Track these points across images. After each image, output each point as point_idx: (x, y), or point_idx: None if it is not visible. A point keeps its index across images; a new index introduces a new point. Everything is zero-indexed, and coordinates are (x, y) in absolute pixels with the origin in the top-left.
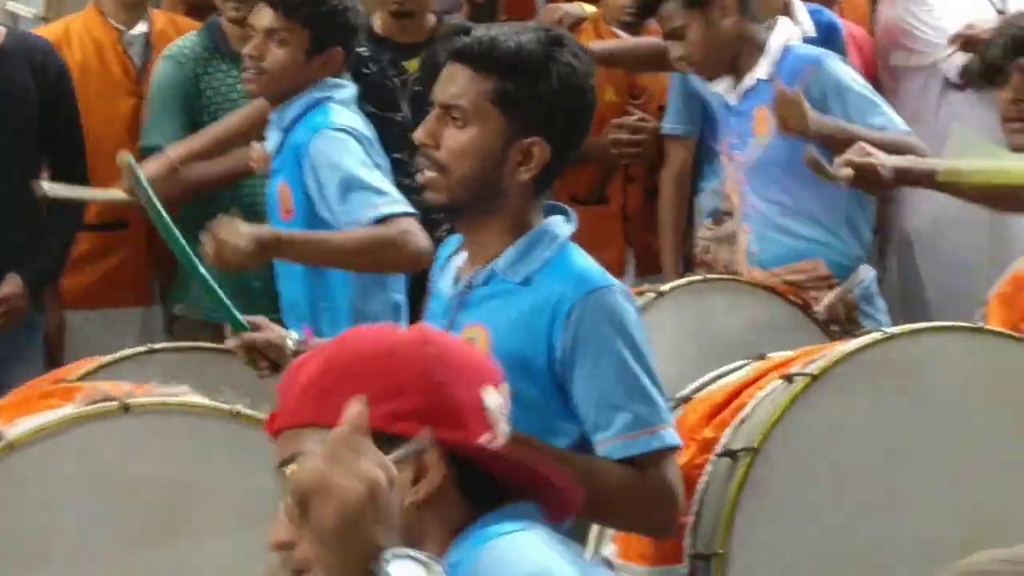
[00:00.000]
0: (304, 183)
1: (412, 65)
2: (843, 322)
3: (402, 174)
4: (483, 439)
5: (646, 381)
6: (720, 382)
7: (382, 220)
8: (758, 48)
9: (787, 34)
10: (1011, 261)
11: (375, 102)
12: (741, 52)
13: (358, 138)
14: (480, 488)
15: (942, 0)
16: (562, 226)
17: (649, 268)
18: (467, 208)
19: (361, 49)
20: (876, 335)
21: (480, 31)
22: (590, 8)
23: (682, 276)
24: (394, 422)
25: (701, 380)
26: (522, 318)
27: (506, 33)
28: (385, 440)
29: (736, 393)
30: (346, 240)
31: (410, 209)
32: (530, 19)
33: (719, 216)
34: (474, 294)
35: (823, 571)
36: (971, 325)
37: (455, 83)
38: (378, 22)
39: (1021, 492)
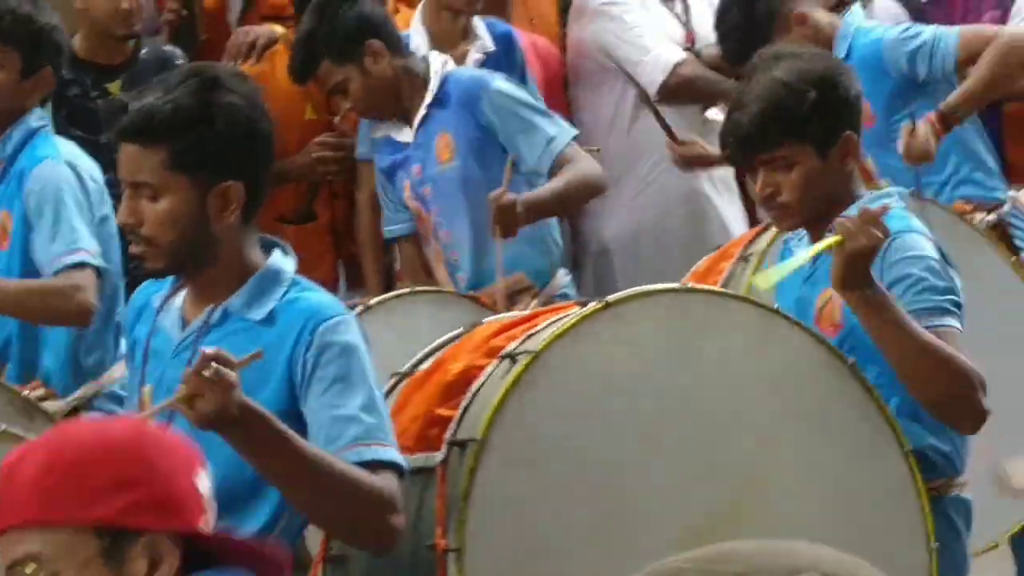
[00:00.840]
0: (24, 212)
1: (115, 87)
2: None
3: (112, 196)
4: (202, 523)
5: (376, 398)
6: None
7: (66, 269)
8: (421, 80)
9: (440, 61)
10: None
11: (79, 124)
12: (403, 89)
13: (79, 174)
14: (199, 562)
15: (637, 17)
16: (286, 261)
17: (361, 281)
18: (186, 267)
19: (63, 71)
20: (673, 284)
21: (134, 102)
22: (280, 29)
23: (385, 289)
24: (125, 516)
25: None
26: (266, 353)
27: (159, 96)
28: (117, 533)
29: (532, 316)
30: (13, 288)
31: (99, 263)
32: (226, 39)
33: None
34: (212, 334)
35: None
36: (680, 286)
37: (132, 162)
38: (79, 44)
39: (762, 470)
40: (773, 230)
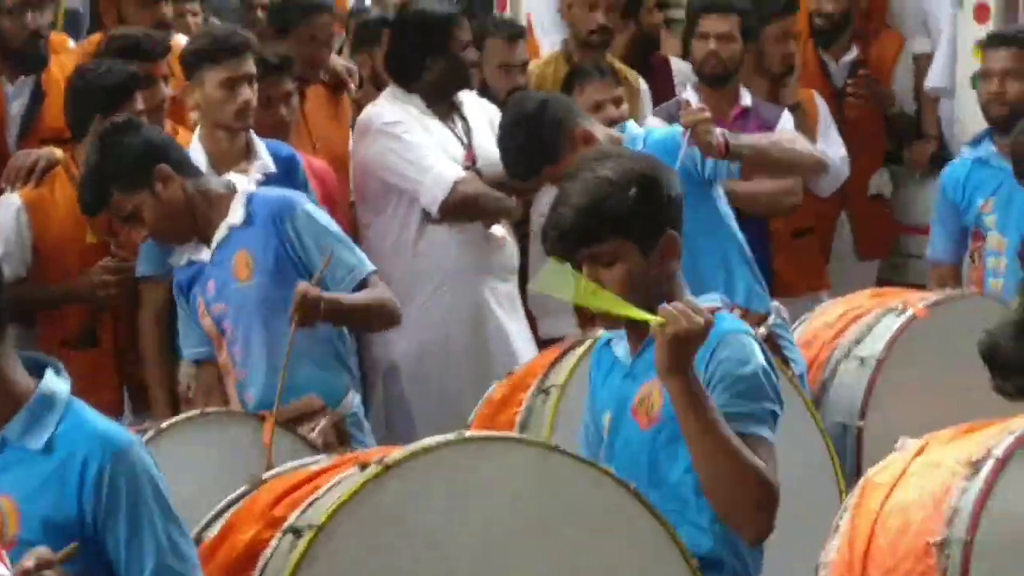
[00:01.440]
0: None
1: None
2: (336, 445)
3: None
4: None
5: (175, 533)
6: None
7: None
8: (216, 199)
9: (245, 180)
10: (488, 386)
11: None
12: (198, 210)
13: None
14: None
15: (418, 136)
16: (59, 383)
17: (145, 404)
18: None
19: None
20: (450, 436)
21: None
22: (60, 152)
23: (174, 411)
24: None
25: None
26: (49, 483)
27: None
28: None
29: (312, 477)
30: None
31: None
32: (4, 161)
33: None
34: None
35: None
36: (457, 437)
37: None
38: None
39: None
40: (572, 357)
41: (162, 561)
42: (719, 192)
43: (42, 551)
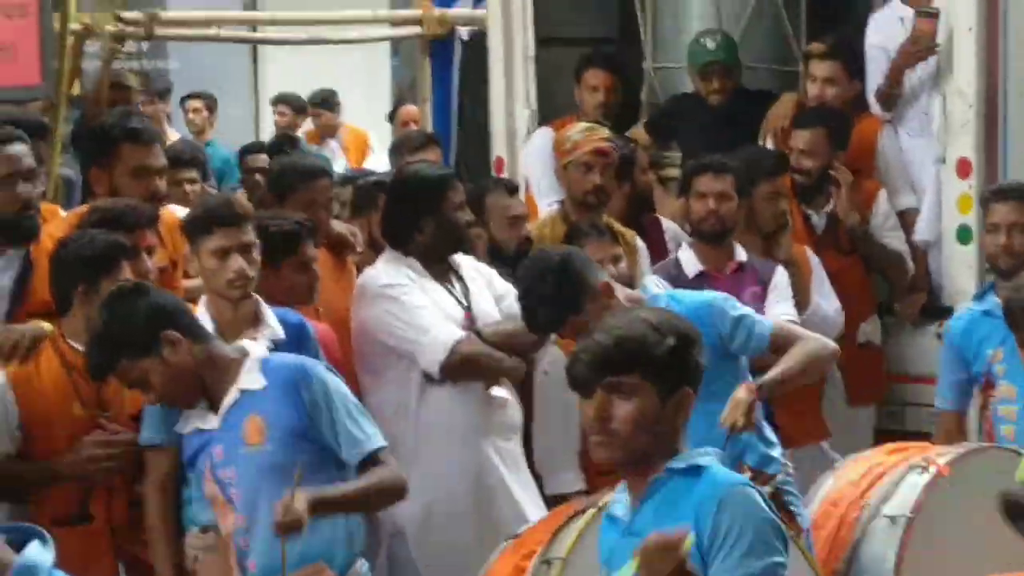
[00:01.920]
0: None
1: None
2: None
3: None
4: None
5: None
6: None
7: None
8: (225, 364)
9: (256, 346)
10: (495, 547)
11: None
12: (207, 375)
13: None
14: None
15: (416, 298)
16: (43, 554)
17: None
18: None
19: None
20: None
21: None
22: (47, 326)
23: None
24: None
25: None
26: None
27: None
28: None
29: None
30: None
31: None
32: None
33: (207, 526)
34: None
35: None
36: None
37: None
38: None
39: None
40: (575, 527)
41: None
42: (744, 361)
43: None
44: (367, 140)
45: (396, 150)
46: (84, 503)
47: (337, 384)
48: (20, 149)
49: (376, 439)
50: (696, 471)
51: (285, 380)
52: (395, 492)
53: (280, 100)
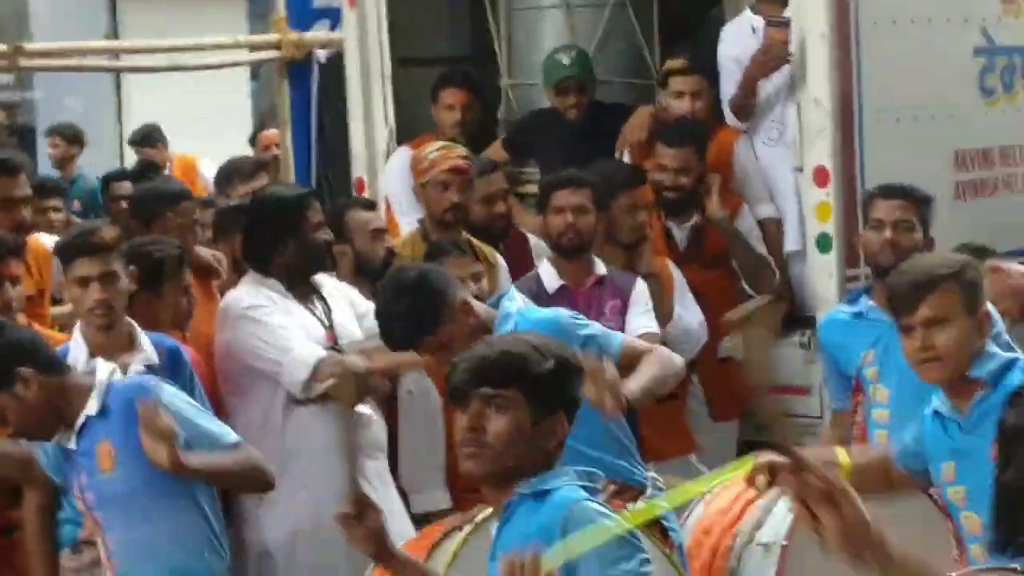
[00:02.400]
0: None
1: None
2: None
3: None
4: None
5: None
6: None
7: None
8: (76, 393)
9: (107, 370)
10: (365, 569)
11: None
12: (63, 405)
13: None
14: None
15: (278, 319)
16: None
17: None
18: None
19: None
20: None
21: None
22: None
23: None
24: None
25: None
26: None
27: None
28: None
29: None
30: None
31: None
32: None
33: (78, 546)
34: None
35: None
36: None
37: None
38: None
39: None
40: (453, 541)
41: None
42: None
43: None
44: (195, 167)
45: (226, 178)
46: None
47: (178, 398)
48: None
49: (231, 435)
50: (544, 495)
51: (126, 402)
52: (260, 474)
53: (54, 131)
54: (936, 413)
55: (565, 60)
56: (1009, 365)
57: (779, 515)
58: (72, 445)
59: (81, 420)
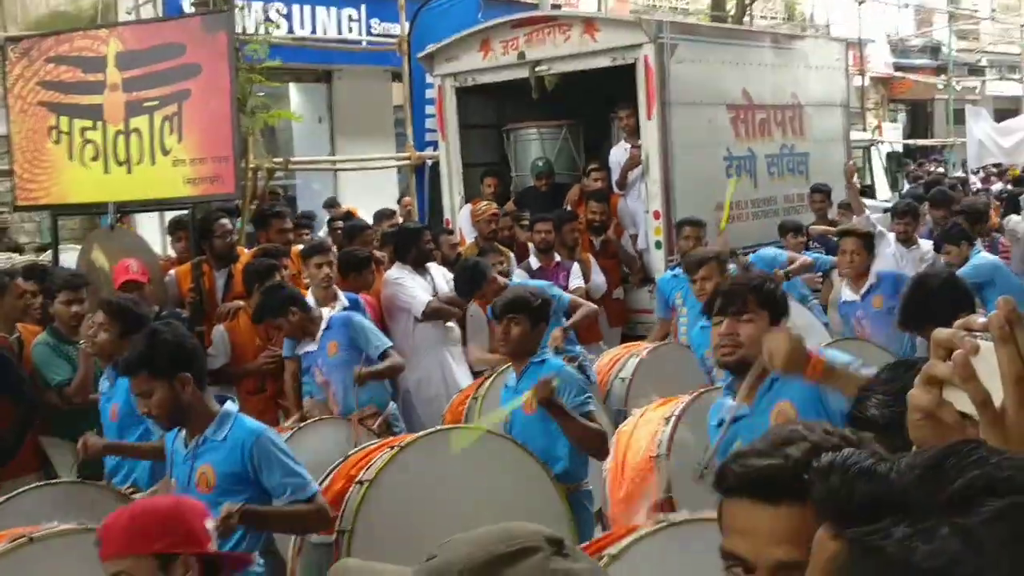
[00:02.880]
0: None
1: None
2: (385, 433)
3: None
4: (209, 547)
5: (291, 463)
6: None
7: None
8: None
9: (327, 312)
10: (450, 399)
11: None
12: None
13: None
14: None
15: (408, 283)
16: (232, 407)
17: (287, 413)
18: (179, 422)
19: None
20: (433, 429)
21: None
22: (241, 303)
23: (302, 416)
24: (170, 547)
25: None
26: (229, 455)
27: None
28: (163, 557)
29: (371, 452)
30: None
31: None
32: (215, 309)
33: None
34: (199, 450)
35: None
36: (440, 428)
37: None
38: None
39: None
40: (486, 385)
41: (290, 480)
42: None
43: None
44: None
45: (380, 219)
46: (262, 385)
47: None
48: (227, 221)
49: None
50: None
51: (343, 319)
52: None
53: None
54: None
55: (540, 163)
56: None
57: (630, 365)
58: (314, 347)
59: (308, 348)
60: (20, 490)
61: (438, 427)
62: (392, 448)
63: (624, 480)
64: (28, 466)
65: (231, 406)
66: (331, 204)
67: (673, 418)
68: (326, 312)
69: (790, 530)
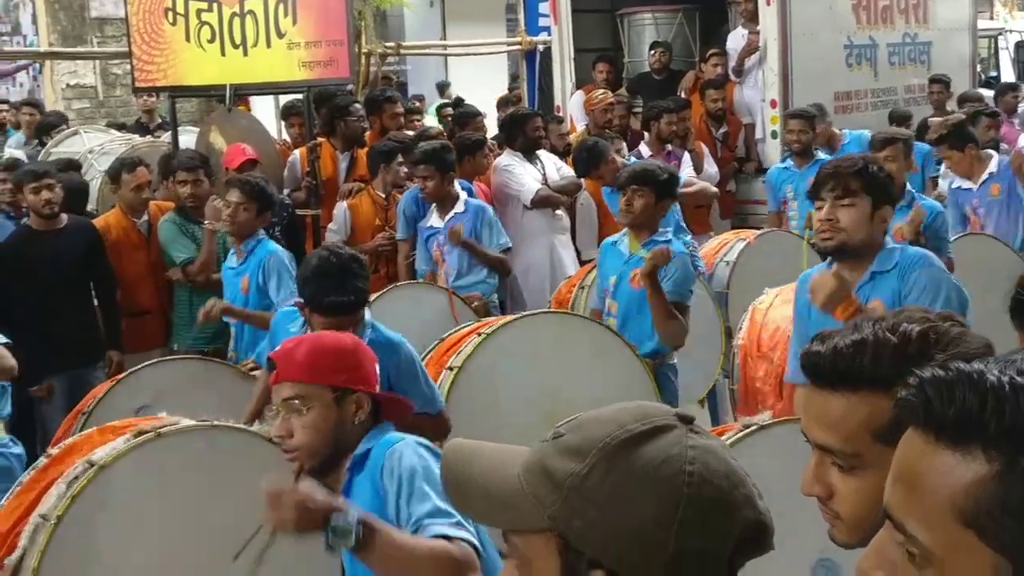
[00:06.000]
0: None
1: None
2: (487, 314)
3: None
4: (377, 388)
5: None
6: None
7: None
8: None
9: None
10: (558, 285)
11: None
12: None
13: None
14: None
15: (518, 170)
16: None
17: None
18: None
19: None
20: (538, 311)
21: None
22: (362, 184)
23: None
24: (347, 382)
25: None
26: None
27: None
28: (339, 390)
29: (469, 333)
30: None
31: None
32: (336, 191)
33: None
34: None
35: None
36: (540, 312)
37: None
38: None
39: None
40: (593, 273)
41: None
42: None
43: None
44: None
45: (502, 105)
46: (375, 264)
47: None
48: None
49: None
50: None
51: (475, 209)
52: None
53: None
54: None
55: (658, 46)
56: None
57: (737, 248)
58: (439, 223)
59: (432, 221)
60: (145, 363)
61: (525, 312)
62: (480, 334)
63: (760, 358)
64: (154, 340)
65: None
66: (443, 87)
67: None
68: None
69: (845, 417)
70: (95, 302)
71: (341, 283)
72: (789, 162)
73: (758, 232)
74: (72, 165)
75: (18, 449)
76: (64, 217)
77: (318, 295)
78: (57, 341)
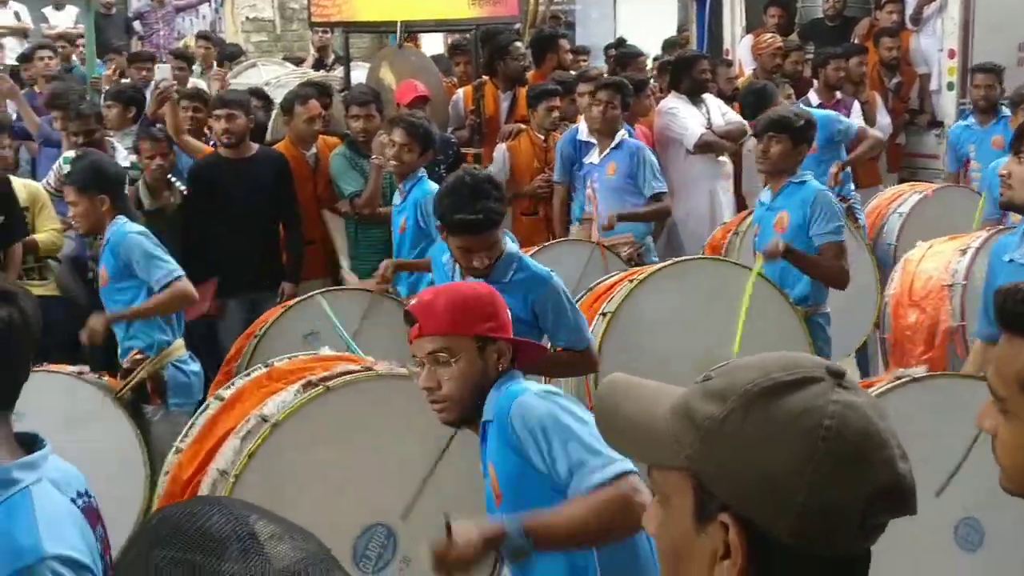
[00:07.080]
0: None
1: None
2: (639, 260)
3: None
4: (511, 335)
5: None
6: None
7: None
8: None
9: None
10: (716, 227)
11: None
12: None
13: None
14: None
15: (682, 113)
16: (512, 245)
17: (552, 237)
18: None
19: None
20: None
21: None
22: (523, 125)
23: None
24: (488, 331)
25: None
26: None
27: None
28: (482, 339)
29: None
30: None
31: None
32: (497, 130)
33: None
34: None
35: None
36: (696, 257)
37: None
38: None
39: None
40: (748, 220)
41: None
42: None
43: None
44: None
45: (667, 48)
46: (535, 206)
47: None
48: (521, 44)
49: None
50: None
51: (630, 151)
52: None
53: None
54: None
55: None
56: None
57: (911, 201)
58: (595, 159)
59: (591, 158)
60: (316, 291)
61: (676, 259)
62: (632, 281)
63: (912, 307)
64: (318, 270)
65: (512, 245)
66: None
67: (971, 249)
68: (619, 136)
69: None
70: (279, 231)
71: (472, 202)
72: (971, 119)
73: (936, 186)
74: (257, 94)
75: (196, 366)
76: (254, 146)
77: (448, 213)
78: (240, 265)
